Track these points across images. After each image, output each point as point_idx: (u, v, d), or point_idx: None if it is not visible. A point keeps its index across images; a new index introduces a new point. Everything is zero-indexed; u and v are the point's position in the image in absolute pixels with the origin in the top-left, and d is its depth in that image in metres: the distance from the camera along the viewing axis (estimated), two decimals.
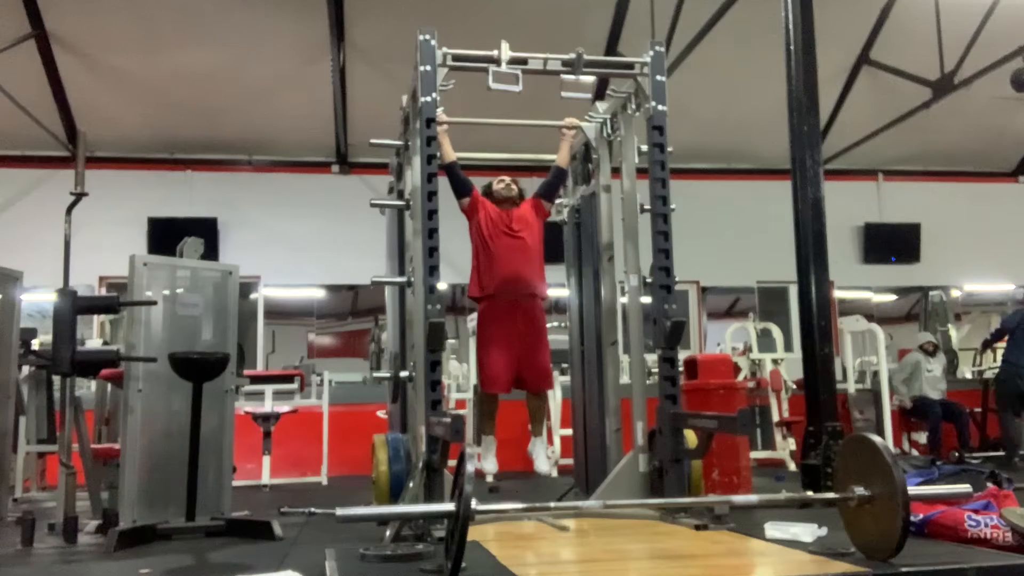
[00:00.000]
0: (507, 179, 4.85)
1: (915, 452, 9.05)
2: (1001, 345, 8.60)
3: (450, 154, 4.57)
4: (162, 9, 8.74)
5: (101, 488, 4.75)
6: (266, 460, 7.03)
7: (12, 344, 5.35)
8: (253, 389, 7.34)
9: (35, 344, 5.93)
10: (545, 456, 4.91)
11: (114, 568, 3.53)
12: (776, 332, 8.64)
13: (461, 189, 4.69)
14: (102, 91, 9.49)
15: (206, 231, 9.20)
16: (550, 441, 7.91)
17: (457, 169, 4.63)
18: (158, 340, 4.33)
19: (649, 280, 4.23)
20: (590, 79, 4.98)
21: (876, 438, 2.85)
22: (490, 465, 4.78)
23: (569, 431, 5.83)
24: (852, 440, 3.06)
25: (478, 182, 4.86)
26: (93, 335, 8.61)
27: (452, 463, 3.27)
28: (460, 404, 8.25)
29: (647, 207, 4.28)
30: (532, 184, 4.98)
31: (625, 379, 5.10)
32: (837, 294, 10.55)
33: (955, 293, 12.07)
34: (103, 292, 9.33)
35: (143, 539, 4.01)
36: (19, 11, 8.59)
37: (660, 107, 4.26)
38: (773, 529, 3.35)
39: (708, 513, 3.73)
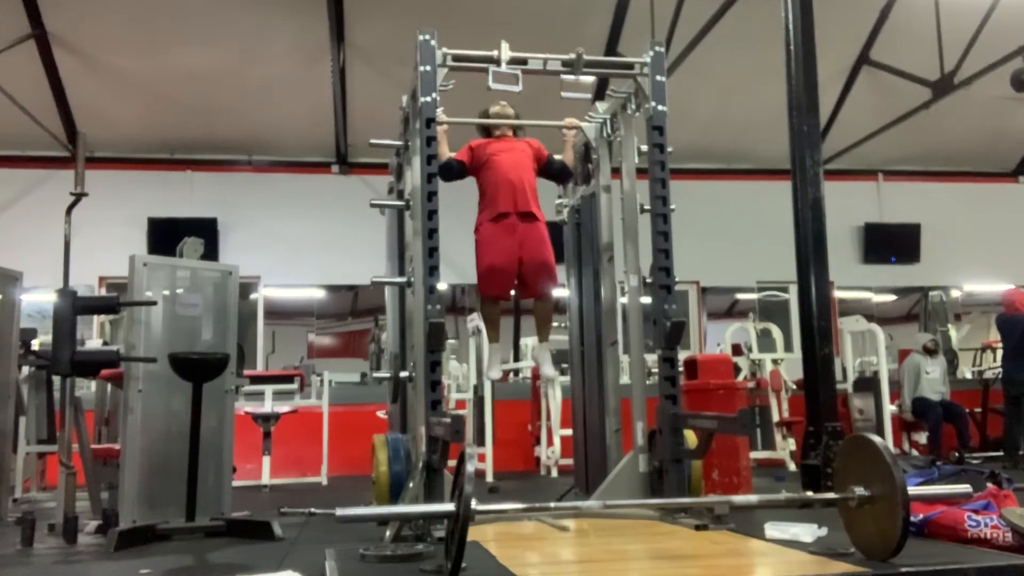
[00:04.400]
0: (504, 101, 4.78)
1: (915, 452, 9.05)
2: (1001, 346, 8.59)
3: (445, 154, 4.57)
4: (162, 9, 8.75)
5: (101, 488, 4.76)
6: (266, 460, 7.03)
7: (12, 344, 5.35)
8: (253, 389, 7.34)
9: (35, 344, 5.93)
10: (550, 360, 4.93)
11: (114, 568, 3.53)
12: (776, 332, 8.64)
13: (458, 169, 4.65)
14: (102, 91, 9.50)
15: (206, 231, 9.20)
16: (550, 442, 7.92)
17: (449, 165, 4.60)
18: (158, 340, 4.33)
19: (649, 280, 4.23)
20: (590, 79, 4.98)
21: (876, 438, 2.85)
22: (495, 372, 4.86)
23: (569, 431, 5.83)
24: (852, 440, 3.06)
25: None
26: (93, 335, 8.60)
27: (452, 463, 3.27)
28: (460, 404, 8.25)
29: (647, 207, 4.28)
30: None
31: (625, 379, 5.09)
32: (837, 294, 10.55)
33: (955, 293, 12.08)
34: (103, 292, 9.34)
35: (143, 539, 4.01)
36: (19, 11, 8.60)
37: (660, 107, 4.25)
38: (773, 529, 3.35)
39: (708, 513, 3.72)
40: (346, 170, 10.65)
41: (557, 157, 4.87)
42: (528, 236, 4.58)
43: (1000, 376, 8.45)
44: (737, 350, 8.68)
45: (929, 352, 8.87)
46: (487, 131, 4.81)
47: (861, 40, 10.12)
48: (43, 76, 9.21)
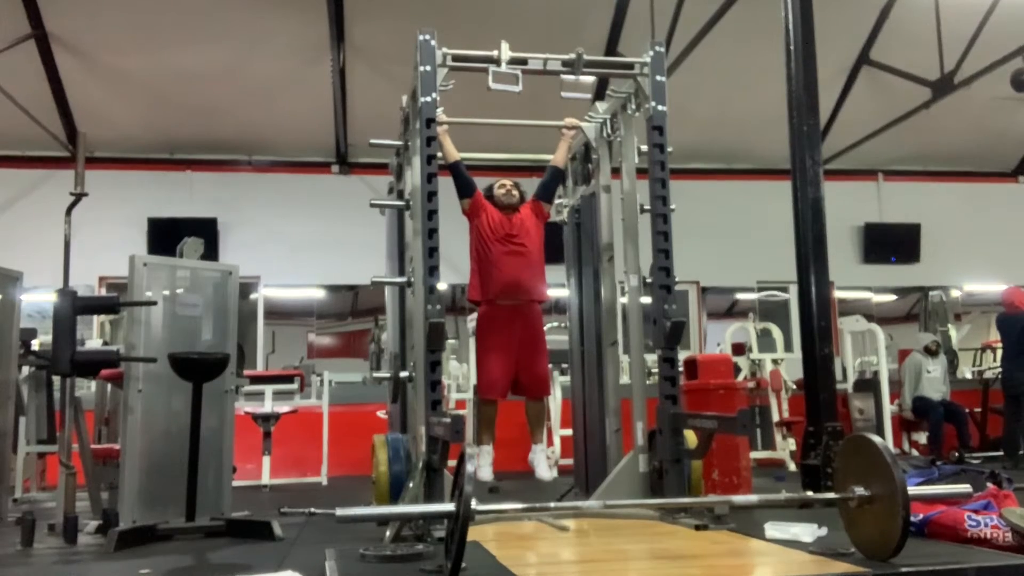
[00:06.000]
0: (508, 184, 4.85)
1: (915, 452, 9.05)
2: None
3: (454, 154, 4.58)
4: (162, 9, 8.74)
5: (101, 488, 4.75)
6: (266, 460, 7.03)
7: (12, 344, 5.35)
8: (253, 389, 7.34)
9: (35, 344, 5.93)
10: (546, 463, 4.89)
11: (114, 568, 3.53)
12: (776, 332, 8.64)
13: (464, 189, 4.70)
14: (102, 91, 9.49)
15: (206, 231, 9.19)
16: (550, 442, 7.91)
17: (462, 169, 4.64)
18: (158, 340, 4.33)
19: (649, 280, 4.23)
20: (590, 79, 4.98)
21: (876, 438, 2.85)
22: (485, 474, 4.74)
23: (569, 431, 5.83)
24: (852, 440, 3.06)
25: (479, 183, 4.86)
26: (93, 335, 8.61)
27: (452, 463, 3.27)
28: (460, 404, 8.25)
29: (647, 207, 4.28)
30: (532, 184, 4.99)
31: (625, 379, 5.10)
32: (837, 294, 10.55)
33: (955, 293, 12.07)
34: (103, 292, 9.34)
35: (143, 539, 4.01)
36: (19, 11, 8.59)
37: (660, 107, 4.25)
38: (773, 529, 3.35)
39: (708, 513, 3.73)
40: (346, 170, 10.65)
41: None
42: (527, 333, 4.74)
43: (1000, 376, 8.44)
44: (737, 350, 8.68)
45: (930, 353, 8.87)
46: (491, 192, 4.87)
47: (861, 40, 10.11)
48: (43, 76, 9.20)
